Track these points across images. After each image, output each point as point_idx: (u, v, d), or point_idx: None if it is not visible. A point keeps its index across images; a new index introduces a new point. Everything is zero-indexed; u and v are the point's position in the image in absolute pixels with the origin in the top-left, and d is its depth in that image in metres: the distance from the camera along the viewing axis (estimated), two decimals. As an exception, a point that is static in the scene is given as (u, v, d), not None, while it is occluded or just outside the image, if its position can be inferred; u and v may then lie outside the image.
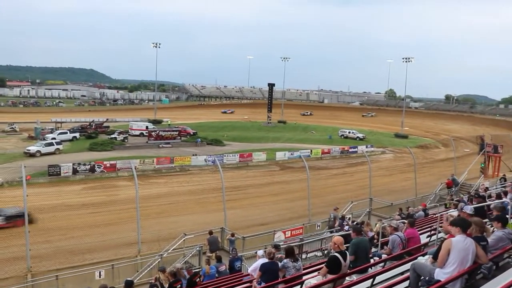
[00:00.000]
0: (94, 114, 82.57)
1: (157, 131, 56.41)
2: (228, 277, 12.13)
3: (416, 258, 6.96)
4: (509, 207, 8.56)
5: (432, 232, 11.23)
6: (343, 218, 18.55)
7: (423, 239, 10.78)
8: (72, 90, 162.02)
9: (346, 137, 70.76)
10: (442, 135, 78.76)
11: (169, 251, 17.12)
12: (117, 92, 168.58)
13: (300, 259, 9.38)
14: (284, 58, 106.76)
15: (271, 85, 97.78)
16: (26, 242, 14.92)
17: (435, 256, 5.81)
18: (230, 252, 15.03)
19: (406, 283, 6.06)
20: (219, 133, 66.92)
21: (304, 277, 7.82)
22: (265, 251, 9.35)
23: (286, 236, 19.54)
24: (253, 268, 9.36)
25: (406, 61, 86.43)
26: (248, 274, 10.34)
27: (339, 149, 55.68)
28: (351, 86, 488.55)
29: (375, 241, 11.83)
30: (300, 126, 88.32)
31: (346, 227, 16.46)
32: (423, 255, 7.25)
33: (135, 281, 12.24)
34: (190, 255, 16.66)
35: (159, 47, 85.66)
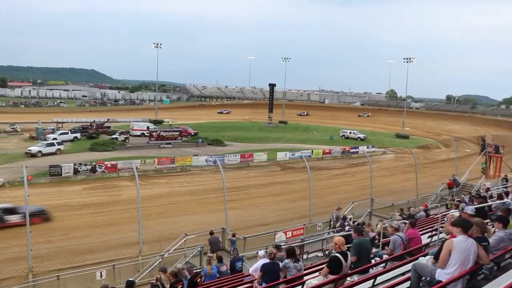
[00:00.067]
0: (95, 115, 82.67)
1: (158, 132, 56.45)
2: (229, 278, 12.13)
3: (417, 259, 6.95)
4: (511, 207, 8.55)
5: (433, 232, 11.23)
6: (344, 218, 18.55)
7: (424, 239, 10.78)
8: (73, 90, 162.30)
9: (347, 138, 70.72)
10: (443, 135, 78.69)
11: (170, 252, 17.11)
12: (118, 92, 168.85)
13: (301, 259, 9.37)
14: (285, 59, 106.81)
15: (272, 86, 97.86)
16: (28, 242, 14.94)
17: (436, 257, 5.80)
18: (231, 253, 15.03)
19: (407, 283, 6.05)
20: (220, 134, 66.92)
21: (305, 278, 7.82)
22: (266, 252, 9.35)
23: (287, 236, 19.53)
24: (254, 268, 9.36)
25: (407, 62, 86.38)
26: (249, 275, 10.34)
27: (340, 150, 55.65)
28: (352, 86, 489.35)
29: (376, 241, 11.83)
30: (301, 126, 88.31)
31: (347, 228, 16.46)
32: (424, 255, 7.25)
33: (136, 281, 12.25)
34: (191, 256, 16.65)
35: (160, 47, 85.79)
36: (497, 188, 21.48)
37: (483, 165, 34.27)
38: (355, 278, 7.03)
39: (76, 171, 35.57)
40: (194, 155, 44.21)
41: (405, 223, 11.22)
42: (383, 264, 8.28)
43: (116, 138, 54.67)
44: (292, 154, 49.46)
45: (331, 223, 20.69)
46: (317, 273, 7.91)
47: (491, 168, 34.55)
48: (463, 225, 5.56)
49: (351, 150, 56.03)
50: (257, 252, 11.21)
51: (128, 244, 19.86)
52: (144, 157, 42.55)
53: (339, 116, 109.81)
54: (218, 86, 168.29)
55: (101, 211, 26.50)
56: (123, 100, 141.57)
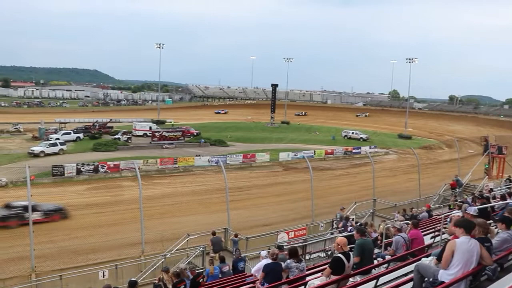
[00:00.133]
0: (97, 115, 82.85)
1: (161, 132, 56.50)
2: (232, 278, 12.13)
3: (420, 259, 6.94)
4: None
5: (436, 233, 11.22)
6: (347, 219, 18.52)
7: (427, 240, 10.76)
8: (75, 90, 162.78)
9: (350, 138, 70.63)
10: (446, 136, 78.52)
11: (172, 252, 17.14)
12: (121, 92, 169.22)
13: (303, 259, 9.37)
14: (287, 59, 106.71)
15: (274, 86, 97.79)
16: (31, 242, 14.97)
17: (439, 258, 5.79)
18: (234, 253, 15.03)
19: (410, 284, 6.05)
20: (222, 134, 66.96)
21: (307, 278, 7.82)
22: (268, 252, 9.35)
23: (290, 236, 19.52)
24: (256, 268, 9.35)
25: (409, 62, 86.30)
26: (252, 275, 10.33)
27: (343, 150, 55.61)
28: (355, 86, 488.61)
29: (379, 242, 11.82)
30: (303, 126, 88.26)
31: (350, 228, 16.43)
32: (427, 256, 7.23)
33: (138, 281, 12.26)
34: (194, 256, 16.68)
35: (162, 47, 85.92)
36: (500, 189, 21.46)
37: (486, 166, 34.16)
38: (358, 278, 7.02)
39: (78, 171, 35.64)
40: (197, 156, 44.24)
41: (407, 224, 11.20)
42: (385, 265, 8.27)
43: (119, 138, 54.77)
44: (295, 155, 49.42)
45: (333, 223, 20.66)
46: (319, 274, 7.91)
47: (494, 169, 34.43)
48: (466, 225, 5.54)
49: (354, 151, 55.99)
50: (260, 253, 11.21)
51: (131, 244, 19.89)
52: (146, 157, 42.60)
53: (342, 116, 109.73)
54: (220, 87, 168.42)
55: (104, 211, 26.55)
56: (125, 100, 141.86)
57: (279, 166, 45.74)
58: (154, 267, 16.08)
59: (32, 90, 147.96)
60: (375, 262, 8.49)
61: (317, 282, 7.12)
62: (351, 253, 7.16)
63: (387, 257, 9.05)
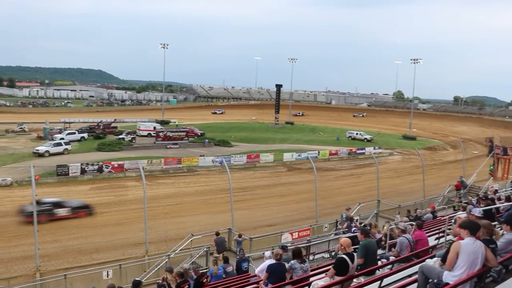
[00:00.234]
0: (102, 115, 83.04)
1: (165, 132, 56.60)
2: (235, 278, 12.13)
3: (424, 261, 6.92)
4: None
5: (441, 234, 11.18)
6: (351, 219, 18.48)
7: (431, 241, 10.73)
8: (80, 90, 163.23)
9: (354, 139, 70.47)
10: (450, 136, 78.17)
11: (176, 252, 17.15)
12: (125, 92, 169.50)
13: (307, 260, 9.36)
14: (291, 59, 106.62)
15: (278, 86, 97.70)
16: (35, 241, 15.04)
17: (443, 259, 5.77)
18: (237, 253, 15.03)
19: (414, 285, 6.03)
20: (226, 134, 67.00)
21: (311, 279, 7.81)
22: (272, 252, 9.35)
23: (293, 237, 19.48)
24: (260, 269, 9.36)
25: (414, 63, 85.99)
26: (255, 275, 10.34)
27: (347, 151, 55.51)
28: (359, 87, 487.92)
29: (383, 243, 11.79)
30: (307, 127, 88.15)
31: (354, 229, 16.40)
32: (432, 257, 7.21)
33: (142, 281, 12.27)
34: (197, 256, 16.68)
35: (167, 48, 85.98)
36: (505, 190, 21.38)
37: (491, 167, 34.05)
38: (362, 279, 7.01)
39: (83, 171, 35.76)
40: (201, 156, 44.29)
41: (412, 225, 11.17)
42: (389, 266, 8.25)
43: (123, 138, 54.91)
44: (299, 155, 49.37)
45: (337, 224, 20.63)
46: (323, 274, 7.90)
47: (499, 170, 34.33)
48: (471, 227, 5.52)
49: (358, 151, 55.88)
50: (263, 253, 11.21)
51: (135, 244, 19.96)
52: (150, 157, 42.69)
53: (346, 117, 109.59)
54: (225, 87, 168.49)
55: (108, 211, 26.63)
56: (130, 101, 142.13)
57: (283, 167, 45.72)
58: (158, 267, 16.09)
59: (37, 90, 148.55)
60: (379, 263, 8.47)
61: (321, 283, 7.11)
62: (355, 254, 7.14)
63: (391, 258, 9.03)
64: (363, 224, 17.27)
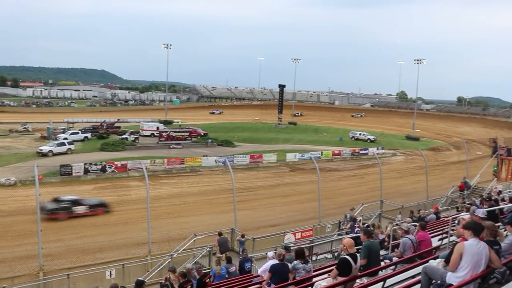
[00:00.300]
0: (105, 115, 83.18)
1: (168, 132, 56.67)
2: (238, 278, 12.13)
3: (427, 262, 6.90)
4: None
5: (444, 235, 11.14)
6: (354, 220, 18.46)
7: (435, 242, 10.69)
8: (84, 90, 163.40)
9: (357, 139, 70.41)
10: (454, 137, 77.95)
11: (179, 252, 17.17)
12: (128, 92, 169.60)
13: (310, 261, 9.35)
14: (295, 59, 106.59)
15: (281, 87, 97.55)
16: (38, 241, 15.07)
17: (447, 260, 5.75)
18: (240, 253, 15.02)
19: (418, 286, 6.01)
20: (229, 134, 67.02)
21: (314, 279, 7.80)
22: (275, 253, 9.34)
23: (296, 237, 19.49)
24: (263, 269, 9.34)
25: (417, 63, 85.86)
26: (258, 275, 10.33)
27: (350, 151, 55.46)
28: (362, 87, 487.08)
29: (386, 243, 11.76)
30: (310, 127, 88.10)
31: (357, 230, 16.37)
32: (435, 258, 7.19)
33: (145, 281, 12.29)
34: (200, 256, 16.70)
35: (170, 48, 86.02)
36: (509, 191, 21.29)
37: (495, 168, 33.89)
38: (365, 280, 6.99)
39: (86, 171, 35.86)
40: (204, 156, 44.33)
41: (415, 226, 11.14)
42: (393, 267, 8.23)
43: (126, 138, 55.04)
44: (302, 155, 49.34)
45: (340, 225, 20.60)
46: (326, 275, 7.89)
47: (503, 171, 34.14)
48: (475, 228, 5.50)
49: (361, 152, 55.83)
50: (266, 253, 11.20)
51: (138, 243, 20.00)
52: (154, 157, 42.76)
53: (349, 117, 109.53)
54: (228, 87, 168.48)
55: (111, 211, 26.73)
56: (133, 101, 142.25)
57: (286, 167, 45.72)
58: (161, 267, 16.11)
59: (41, 90, 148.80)
60: (382, 264, 8.45)
61: (324, 283, 7.10)
62: (358, 255, 7.13)
63: (394, 259, 9.01)
64: (366, 224, 17.23)
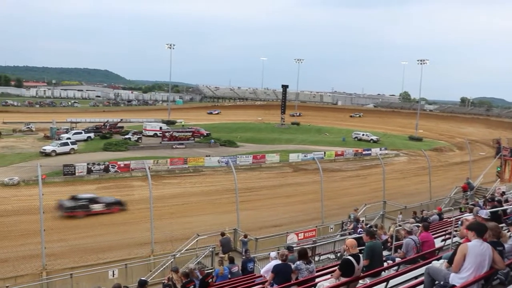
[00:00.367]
0: (108, 115, 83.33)
1: (171, 132, 56.73)
2: (241, 278, 12.14)
3: (430, 262, 6.89)
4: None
5: (447, 236, 11.11)
6: (357, 220, 18.45)
7: (438, 243, 10.67)
8: (87, 90, 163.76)
9: (360, 140, 70.37)
10: (457, 138, 77.77)
11: (182, 252, 17.17)
12: (131, 92, 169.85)
13: (313, 261, 9.34)
14: (297, 60, 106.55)
15: (284, 87, 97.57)
16: (42, 240, 15.09)
17: (450, 261, 5.74)
18: (243, 254, 15.02)
19: (421, 287, 6.00)
20: (232, 134, 67.06)
21: (317, 280, 7.79)
22: (278, 253, 9.34)
23: (299, 238, 19.47)
24: (265, 269, 9.35)
25: (421, 63, 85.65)
26: (261, 276, 10.33)
27: (353, 152, 55.41)
28: (365, 88, 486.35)
29: (389, 244, 11.75)
30: (313, 128, 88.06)
31: (360, 230, 16.35)
32: (438, 259, 7.17)
33: (148, 280, 12.30)
34: (203, 256, 16.69)
35: (173, 48, 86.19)
36: (513, 192, 21.20)
37: (498, 169, 33.78)
38: (368, 281, 6.98)
39: (89, 171, 35.93)
40: (207, 156, 44.35)
41: (418, 226, 11.12)
42: (395, 268, 8.22)
43: (129, 138, 55.12)
44: (305, 156, 49.32)
45: (343, 225, 20.58)
46: (329, 276, 7.88)
47: (507, 172, 34.03)
48: (478, 229, 5.49)
49: (364, 152, 55.76)
50: (269, 254, 11.20)
51: (140, 243, 20.00)
52: (156, 157, 42.80)
53: (353, 118, 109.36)
54: (231, 87, 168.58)
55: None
56: (136, 101, 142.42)
57: (289, 167, 45.70)
58: (164, 267, 16.11)
59: (44, 90, 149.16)
60: (385, 264, 8.44)
61: (327, 284, 7.09)
62: (360, 255, 7.12)
63: (397, 260, 8.99)
64: (369, 225, 17.22)
